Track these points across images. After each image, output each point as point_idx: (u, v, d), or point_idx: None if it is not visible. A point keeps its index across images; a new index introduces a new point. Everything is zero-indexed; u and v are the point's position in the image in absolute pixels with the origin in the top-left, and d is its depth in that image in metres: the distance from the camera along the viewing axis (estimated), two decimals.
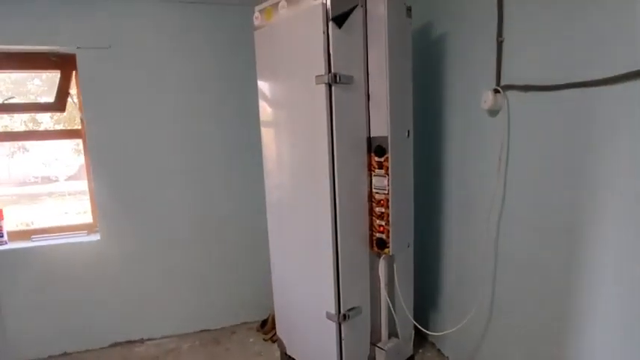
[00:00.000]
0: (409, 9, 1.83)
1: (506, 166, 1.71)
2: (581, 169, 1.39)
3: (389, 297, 1.93)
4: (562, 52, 1.42)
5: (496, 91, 1.70)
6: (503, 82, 1.69)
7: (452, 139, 2.08)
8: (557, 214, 1.50)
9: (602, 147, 1.31)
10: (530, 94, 1.57)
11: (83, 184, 2.69)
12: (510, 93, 1.66)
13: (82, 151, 2.55)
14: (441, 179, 2.18)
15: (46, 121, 3.24)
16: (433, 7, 2.13)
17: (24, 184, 3.19)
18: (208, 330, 2.70)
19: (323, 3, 1.58)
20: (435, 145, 2.19)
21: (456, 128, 2.04)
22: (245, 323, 2.77)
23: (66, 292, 2.39)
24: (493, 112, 1.75)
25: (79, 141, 2.54)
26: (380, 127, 1.76)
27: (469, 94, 1.89)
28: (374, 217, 1.84)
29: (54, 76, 2.42)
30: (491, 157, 1.77)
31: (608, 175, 1.29)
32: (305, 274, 1.93)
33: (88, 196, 2.57)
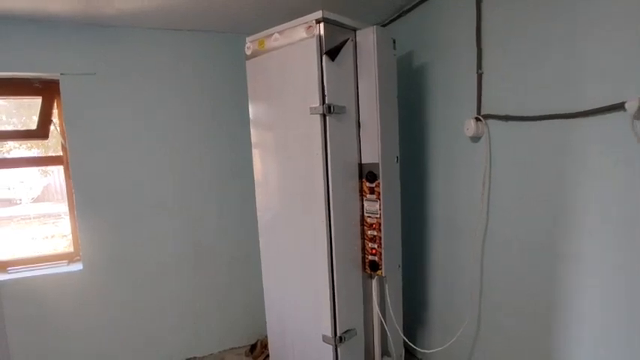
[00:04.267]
0: (394, 41, 1.94)
1: (489, 189, 1.82)
2: (559, 192, 1.51)
3: (381, 317, 1.98)
4: (539, 86, 1.56)
5: (477, 120, 1.82)
6: (484, 112, 1.82)
7: (436, 163, 2.19)
8: (539, 234, 1.61)
9: (577, 172, 1.44)
10: (510, 123, 1.69)
11: (49, 207, 2.62)
12: (491, 122, 1.78)
13: (47, 173, 2.51)
14: (426, 202, 2.28)
15: (13, 145, 3.10)
16: (414, 39, 2.26)
17: None
18: (195, 358, 2.64)
19: (317, 37, 1.65)
20: (421, 170, 2.29)
21: (441, 153, 2.15)
22: (233, 349, 2.73)
23: (48, 327, 2.29)
24: (475, 139, 1.87)
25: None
26: (370, 154, 1.84)
27: (452, 122, 2.01)
28: (366, 240, 1.90)
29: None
30: (475, 180, 1.89)
31: (584, 197, 1.42)
32: (300, 298, 1.95)
33: (54, 220, 2.50)
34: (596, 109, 1.34)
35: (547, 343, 1.60)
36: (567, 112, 1.45)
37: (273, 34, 1.83)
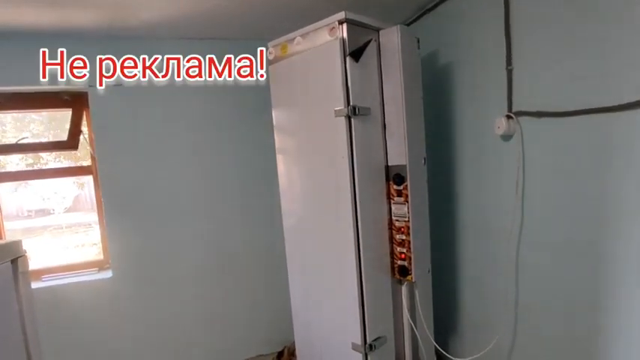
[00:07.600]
0: (418, 40, 1.90)
1: (523, 188, 1.74)
2: (599, 190, 1.43)
3: (412, 324, 1.92)
4: (574, 79, 1.48)
5: (509, 117, 1.75)
6: (515, 109, 1.75)
7: (465, 164, 2.12)
8: (579, 234, 1.52)
9: (617, 168, 1.36)
10: (543, 120, 1.62)
11: (80, 216, 2.68)
12: (523, 119, 1.71)
13: (82, 185, 2.56)
14: (456, 204, 2.21)
15: (46, 155, 3.22)
16: (439, 36, 2.21)
17: (17, 217, 3.13)
18: None
19: (340, 38, 1.63)
20: (449, 171, 2.23)
21: (470, 153, 2.08)
22: (260, 356, 2.71)
23: (79, 331, 2.33)
24: (507, 137, 1.80)
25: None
26: (397, 156, 1.79)
27: (481, 120, 1.94)
28: (394, 245, 1.85)
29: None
30: (507, 180, 1.81)
31: (627, 194, 1.33)
32: (328, 304, 1.91)
33: (85, 229, 2.56)
34: (638, 101, 1.25)
35: (591, 350, 1.51)
36: (605, 105, 1.37)
37: (296, 37, 1.81)
